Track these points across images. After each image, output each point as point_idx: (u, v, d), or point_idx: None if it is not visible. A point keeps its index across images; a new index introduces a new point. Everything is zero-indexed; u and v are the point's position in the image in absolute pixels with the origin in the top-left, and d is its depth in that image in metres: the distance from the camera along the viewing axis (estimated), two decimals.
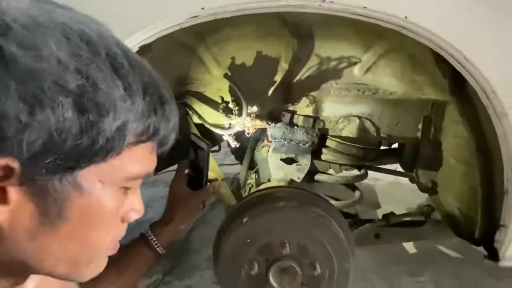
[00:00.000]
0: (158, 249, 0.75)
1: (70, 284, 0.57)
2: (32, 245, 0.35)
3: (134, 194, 0.42)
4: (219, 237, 1.01)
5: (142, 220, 0.46)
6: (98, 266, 0.41)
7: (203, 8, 0.79)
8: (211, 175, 0.86)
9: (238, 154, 2.06)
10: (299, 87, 1.19)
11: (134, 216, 0.43)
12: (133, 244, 0.75)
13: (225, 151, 2.50)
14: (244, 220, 0.97)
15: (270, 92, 1.19)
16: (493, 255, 0.97)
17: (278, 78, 1.17)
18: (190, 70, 1.18)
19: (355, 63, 1.12)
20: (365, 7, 0.77)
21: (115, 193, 0.38)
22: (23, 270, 0.38)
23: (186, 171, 0.84)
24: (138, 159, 0.38)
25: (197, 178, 0.82)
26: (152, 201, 2.14)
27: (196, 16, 0.81)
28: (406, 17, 0.77)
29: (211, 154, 1.29)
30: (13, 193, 0.32)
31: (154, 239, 0.75)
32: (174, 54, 1.12)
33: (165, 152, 0.42)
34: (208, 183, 0.82)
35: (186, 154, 0.89)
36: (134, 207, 0.43)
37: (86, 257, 0.39)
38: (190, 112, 1.25)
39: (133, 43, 0.82)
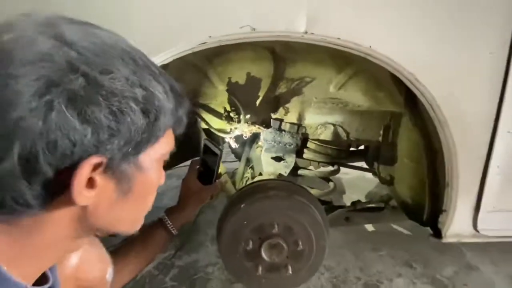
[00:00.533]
0: (172, 230, 0.76)
1: (103, 255, 0.58)
2: (109, 215, 0.38)
3: (161, 167, 0.44)
4: (222, 220, 1.02)
5: (158, 205, 0.47)
6: (141, 222, 0.45)
7: (210, 37, 0.80)
8: (221, 170, 0.86)
9: (237, 153, 2.06)
10: (283, 102, 1.19)
11: (162, 182, 0.45)
12: (153, 226, 0.76)
13: (227, 151, 2.51)
14: (242, 206, 0.97)
15: (258, 103, 1.18)
16: (437, 233, 0.99)
17: (269, 93, 1.17)
18: (199, 85, 1.18)
19: (309, 82, 1.13)
20: (339, 38, 0.78)
21: (158, 167, 0.41)
22: (93, 233, 0.41)
23: (197, 167, 0.84)
24: (168, 140, 0.41)
25: (207, 175, 0.82)
26: (167, 190, 2.11)
27: (204, 43, 0.81)
28: (370, 46, 0.79)
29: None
30: (99, 179, 0.35)
31: (170, 222, 0.76)
32: (186, 73, 1.12)
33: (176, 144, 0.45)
34: (217, 180, 0.82)
35: (194, 153, 0.89)
36: (163, 175, 0.45)
37: (141, 216, 0.44)
38: (199, 119, 1.25)
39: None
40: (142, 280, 1.31)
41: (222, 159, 0.83)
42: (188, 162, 0.88)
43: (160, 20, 0.78)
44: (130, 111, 0.33)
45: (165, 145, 0.40)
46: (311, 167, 1.46)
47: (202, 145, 0.85)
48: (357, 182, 2.02)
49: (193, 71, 1.13)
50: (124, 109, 0.33)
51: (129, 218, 0.42)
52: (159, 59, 0.82)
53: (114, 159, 0.34)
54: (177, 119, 0.40)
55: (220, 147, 0.80)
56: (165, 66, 0.86)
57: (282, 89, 1.16)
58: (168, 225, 0.76)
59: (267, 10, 0.77)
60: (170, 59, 0.83)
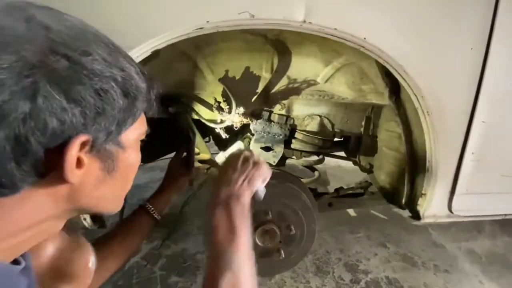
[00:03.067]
0: (154, 215, 0.73)
1: (83, 243, 0.54)
2: (94, 193, 0.38)
3: (139, 147, 0.44)
4: (210, 205, 0.96)
5: (142, 198, 0.44)
6: (122, 201, 0.44)
7: (208, 22, 0.73)
8: (204, 157, 0.82)
9: (220, 145, 2.00)
10: (275, 95, 1.16)
11: (139, 162, 0.44)
12: (135, 212, 0.73)
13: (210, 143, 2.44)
14: None
15: (254, 96, 1.14)
16: (416, 215, 1.01)
17: (261, 85, 1.13)
18: (188, 75, 1.11)
19: (313, 84, 1.11)
20: (335, 29, 0.75)
21: (136, 147, 0.42)
22: (76, 213, 0.39)
23: (184, 154, 0.82)
24: (142, 121, 0.42)
25: (188, 161, 0.81)
26: (151, 182, 2.02)
27: (201, 28, 0.74)
28: (364, 38, 0.77)
29: (205, 143, 1.22)
30: (85, 158, 0.34)
31: (151, 207, 0.74)
32: (177, 61, 1.05)
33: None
34: (195, 167, 0.81)
35: (183, 143, 0.86)
36: (140, 155, 0.44)
37: (123, 194, 0.44)
38: (188, 110, 1.16)
39: (146, 48, 0.74)
40: (130, 271, 1.23)
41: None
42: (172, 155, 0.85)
43: (157, 2, 0.70)
44: (112, 91, 0.33)
45: (140, 125, 0.41)
46: (293, 157, 1.46)
47: (186, 134, 0.84)
48: (334, 171, 2.05)
49: (183, 60, 1.06)
50: (106, 89, 0.33)
51: (113, 196, 0.42)
52: (153, 43, 0.74)
53: (99, 138, 0.34)
54: (149, 100, 0.40)
55: (193, 131, 0.77)
56: (157, 52, 0.79)
57: (280, 86, 1.12)
58: (150, 209, 0.73)
59: None
60: (164, 44, 0.76)
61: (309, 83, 1.11)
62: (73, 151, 0.32)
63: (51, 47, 0.30)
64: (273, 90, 1.13)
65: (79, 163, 0.33)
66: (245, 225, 0.54)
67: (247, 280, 0.49)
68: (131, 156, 0.41)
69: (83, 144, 0.33)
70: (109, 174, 0.38)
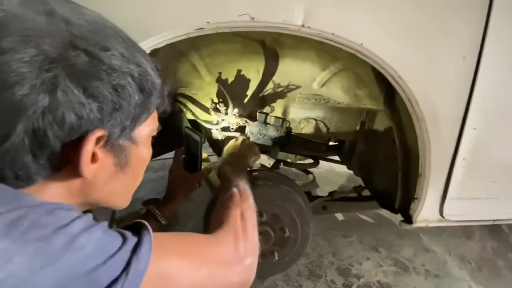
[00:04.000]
0: (162, 221, 0.73)
1: None
2: (106, 188, 0.38)
3: (150, 143, 0.45)
4: (208, 210, 0.97)
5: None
6: (130, 197, 0.45)
7: (208, 22, 0.74)
8: (203, 157, 0.82)
9: (215, 146, 1.99)
10: (269, 96, 1.17)
11: (149, 158, 0.46)
12: (143, 218, 0.71)
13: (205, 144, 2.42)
14: None
15: (247, 99, 1.16)
16: (408, 219, 1.03)
17: (256, 87, 1.14)
18: (186, 75, 1.11)
19: (294, 89, 1.13)
20: (333, 33, 0.77)
21: (148, 143, 0.43)
22: (87, 207, 0.40)
23: (183, 156, 0.81)
24: (154, 117, 0.43)
25: (191, 163, 0.79)
26: (144, 183, 1.97)
27: (201, 28, 0.75)
28: (361, 44, 0.79)
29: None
30: (99, 153, 0.35)
31: (159, 213, 0.73)
32: (174, 61, 1.06)
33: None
34: (202, 166, 0.80)
35: (178, 144, 0.85)
36: (151, 151, 0.45)
37: (133, 189, 0.44)
38: (184, 110, 1.18)
39: (146, 46, 0.75)
40: None
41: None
42: (167, 155, 0.83)
43: (158, 1, 0.70)
44: (129, 86, 0.34)
45: (153, 121, 0.42)
46: (288, 160, 1.47)
47: (184, 134, 0.82)
48: (327, 175, 2.07)
49: (180, 61, 1.06)
50: (124, 84, 0.33)
51: (123, 192, 0.43)
52: (153, 42, 0.75)
53: (114, 133, 0.35)
54: (163, 96, 0.41)
55: (199, 133, 0.78)
56: (156, 51, 0.79)
57: (268, 91, 1.14)
58: (158, 215, 0.73)
59: (268, 0, 0.73)
60: (164, 43, 0.76)
61: (290, 88, 1.12)
62: (89, 146, 0.32)
63: (71, 41, 0.31)
64: (264, 93, 1.14)
65: (93, 158, 0.34)
66: (244, 177, 0.71)
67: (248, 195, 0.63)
68: (143, 152, 0.41)
69: (98, 139, 0.33)
70: (121, 169, 0.39)
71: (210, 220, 0.88)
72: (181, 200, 0.77)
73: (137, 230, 0.36)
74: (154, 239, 0.35)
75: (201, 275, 0.40)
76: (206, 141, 1.52)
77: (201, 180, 0.83)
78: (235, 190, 0.64)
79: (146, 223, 0.37)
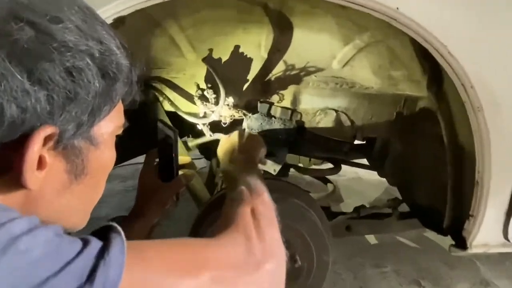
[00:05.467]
0: None
1: None
2: (57, 203, 0.39)
3: (114, 144, 0.46)
4: (195, 232, 0.97)
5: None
6: (88, 216, 0.47)
7: None
8: (183, 161, 0.83)
9: (202, 148, 2.01)
10: (275, 79, 1.16)
11: (112, 164, 0.47)
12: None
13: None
14: None
15: (247, 84, 1.15)
16: (461, 243, 1.02)
17: (257, 68, 1.13)
18: (161, 52, 1.11)
19: (313, 72, 1.13)
20: None
21: (111, 144, 0.44)
22: None
23: (156, 161, 0.80)
24: (120, 111, 0.43)
25: (167, 168, 0.78)
26: (108, 196, 1.98)
27: None
28: (397, 8, 0.77)
29: (181, 144, 1.22)
30: (48, 157, 0.35)
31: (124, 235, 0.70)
32: (146, 33, 1.04)
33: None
34: (179, 174, 0.79)
35: (152, 144, 0.84)
36: (115, 156, 0.46)
37: (92, 205, 0.45)
38: (161, 98, 1.17)
39: (107, 13, 0.74)
40: None
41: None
42: (140, 159, 0.85)
43: None
44: (87, 70, 0.34)
45: (118, 116, 0.43)
46: (300, 164, 1.46)
47: (158, 130, 0.81)
48: (352, 184, 2.06)
49: (154, 33, 1.06)
50: (81, 67, 0.34)
51: (80, 208, 0.43)
52: (117, 8, 0.75)
53: (67, 130, 0.35)
54: (131, 83, 0.42)
55: (173, 127, 0.76)
56: (120, 20, 0.79)
57: (275, 74, 1.13)
58: None
59: None
60: (131, 10, 0.75)
61: (308, 71, 1.11)
62: (34, 147, 0.32)
63: (12, 10, 0.31)
64: (271, 77, 1.14)
65: (40, 163, 0.34)
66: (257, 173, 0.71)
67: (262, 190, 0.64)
68: (105, 155, 0.42)
69: (47, 139, 0.33)
70: (76, 178, 0.39)
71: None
72: (153, 217, 0.76)
73: (104, 235, 0.37)
74: (132, 245, 0.36)
75: (203, 282, 0.41)
76: (191, 138, 1.54)
77: (179, 191, 0.82)
78: (243, 187, 0.64)
79: (115, 225, 0.38)
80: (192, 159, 1.28)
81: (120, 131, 0.45)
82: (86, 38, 0.35)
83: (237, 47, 1.10)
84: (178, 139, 0.77)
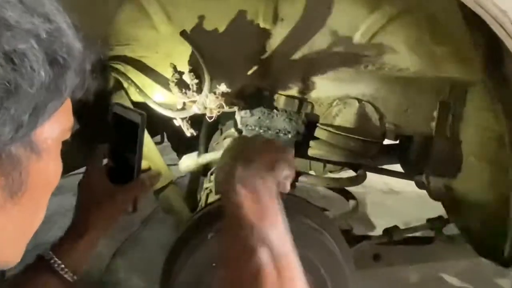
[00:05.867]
0: (66, 275, 0.72)
1: None
2: None
3: (59, 154, 0.47)
4: (170, 262, 0.98)
5: (43, 241, 0.51)
6: (24, 248, 0.47)
7: None
8: (144, 163, 0.85)
9: (181, 150, 2.03)
10: (279, 59, 1.17)
11: (58, 180, 0.48)
12: (31, 272, 0.71)
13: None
14: (209, 235, 0.93)
15: (243, 63, 1.16)
16: None
17: (255, 43, 1.14)
18: (126, 24, 1.11)
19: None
20: None
21: (56, 152, 0.45)
22: None
23: (105, 159, 0.84)
24: (68, 109, 0.45)
25: (123, 168, 0.81)
26: (57, 214, 1.98)
27: None
28: None
29: (152, 141, 1.22)
30: None
31: (59, 262, 0.72)
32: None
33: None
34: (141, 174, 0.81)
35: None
36: (60, 168, 0.48)
37: (32, 230, 0.47)
38: (126, 85, 1.18)
39: None
40: None
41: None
42: None
43: None
44: (31, 54, 0.35)
45: (65, 116, 0.45)
46: (312, 172, 1.46)
47: (111, 117, 0.83)
48: (382, 199, 2.06)
49: None
50: (23, 51, 0.35)
51: (15, 236, 0.44)
52: None
53: (3, 134, 0.36)
54: (84, 73, 0.44)
55: (140, 111, 0.78)
56: None
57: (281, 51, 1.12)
58: (58, 267, 0.72)
59: None
60: None
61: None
62: None
63: None
64: (277, 49, 1.13)
65: None
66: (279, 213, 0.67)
67: (293, 263, 0.61)
68: (48, 168, 0.44)
69: None
70: (12, 196, 0.40)
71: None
72: (102, 233, 0.78)
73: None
74: None
75: None
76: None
77: (138, 197, 0.83)
78: (262, 249, 0.60)
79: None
80: (168, 165, 1.29)
81: (67, 135, 0.46)
82: (31, 14, 0.36)
83: (227, 15, 1.10)
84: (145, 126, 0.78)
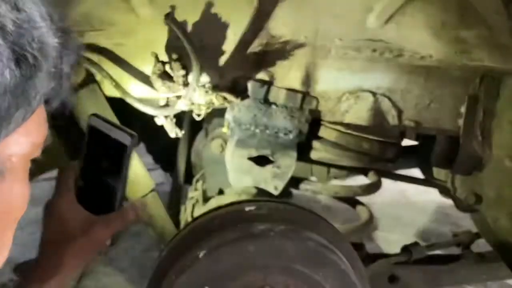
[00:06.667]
0: None
1: None
2: None
3: (27, 174, 0.48)
4: (154, 284, 0.97)
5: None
6: None
7: None
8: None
9: (159, 152, 2.11)
10: (277, 44, 1.16)
11: (24, 208, 0.48)
12: None
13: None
14: (200, 254, 0.92)
15: (236, 50, 1.14)
16: None
17: (249, 26, 1.12)
18: (100, 6, 1.11)
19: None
20: None
21: (23, 172, 0.46)
22: None
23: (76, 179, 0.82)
24: (40, 120, 0.45)
25: (100, 194, 0.81)
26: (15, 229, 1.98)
27: None
28: None
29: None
30: None
31: None
32: None
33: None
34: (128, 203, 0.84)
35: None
36: (28, 193, 0.48)
37: None
38: (99, 77, 1.17)
39: None
40: None
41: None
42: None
43: None
44: None
45: (36, 127, 0.45)
46: (313, 178, 1.45)
47: (87, 130, 0.83)
48: (399, 210, 2.06)
49: None
50: None
51: None
52: None
53: None
54: (59, 75, 0.44)
55: (131, 131, 0.77)
56: None
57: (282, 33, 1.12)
58: None
59: None
60: None
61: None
62: None
63: None
64: (274, 32, 1.13)
65: None
66: None
67: None
68: (14, 192, 0.44)
69: None
70: None
71: None
72: (74, 272, 0.77)
73: None
74: None
75: None
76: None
77: (122, 229, 0.82)
78: None
79: None
80: (148, 169, 1.29)
81: (38, 152, 0.47)
82: None
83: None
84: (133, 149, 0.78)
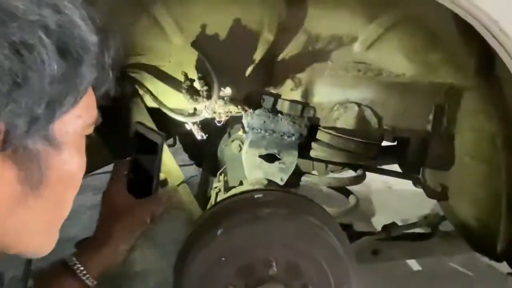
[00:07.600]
0: (87, 281, 0.72)
1: None
2: (10, 222, 0.39)
3: (84, 147, 0.47)
4: (182, 256, 0.97)
5: (63, 237, 0.48)
6: (56, 236, 0.48)
7: None
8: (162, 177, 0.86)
9: (193, 151, 2.06)
10: (283, 66, 1.17)
11: (83, 172, 0.47)
12: (53, 276, 0.71)
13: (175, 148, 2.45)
14: (218, 232, 0.92)
15: (249, 70, 1.16)
16: None
17: (260, 52, 1.14)
18: (142, 35, 1.13)
19: (346, 44, 1.13)
20: None
21: (79, 146, 0.44)
22: None
23: (125, 172, 0.83)
24: (91, 104, 0.44)
25: (142, 182, 0.82)
26: (78, 213, 1.97)
27: None
28: None
29: (167, 149, 1.23)
30: None
31: (82, 268, 0.72)
32: (122, 12, 1.06)
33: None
34: (159, 188, 0.82)
35: (127, 149, 0.89)
36: (84, 162, 0.47)
37: (57, 224, 0.46)
38: (141, 92, 1.18)
39: None
40: None
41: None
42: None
43: None
44: (40, 46, 0.34)
45: (87, 109, 0.43)
46: (314, 172, 1.45)
47: (133, 134, 0.86)
48: (380, 197, 2.05)
49: (132, 10, 1.08)
50: (31, 43, 0.33)
51: (41, 228, 0.44)
52: None
53: (17, 127, 0.34)
54: (103, 66, 0.42)
55: (161, 132, 0.82)
56: None
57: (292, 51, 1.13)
58: (80, 272, 0.71)
59: None
60: None
61: (341, 42, 1.12)
62: None
63: None
64: (281, 58, 1.14)
65: None
66: None
67: None
68: (71, 162, 0.43)
69: None
70: (32, 190, 0.39)
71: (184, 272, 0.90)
72: (123, 244, 0.77)
73: None
74: None
75: None
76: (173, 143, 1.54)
77: (157, 210, 0.83)
78: None
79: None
80: (180, 165, 1.30)
81: (90, 130, 0.45)
82: (38, 5, 0.34)
83: (234, 27, 1.10)
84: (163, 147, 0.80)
